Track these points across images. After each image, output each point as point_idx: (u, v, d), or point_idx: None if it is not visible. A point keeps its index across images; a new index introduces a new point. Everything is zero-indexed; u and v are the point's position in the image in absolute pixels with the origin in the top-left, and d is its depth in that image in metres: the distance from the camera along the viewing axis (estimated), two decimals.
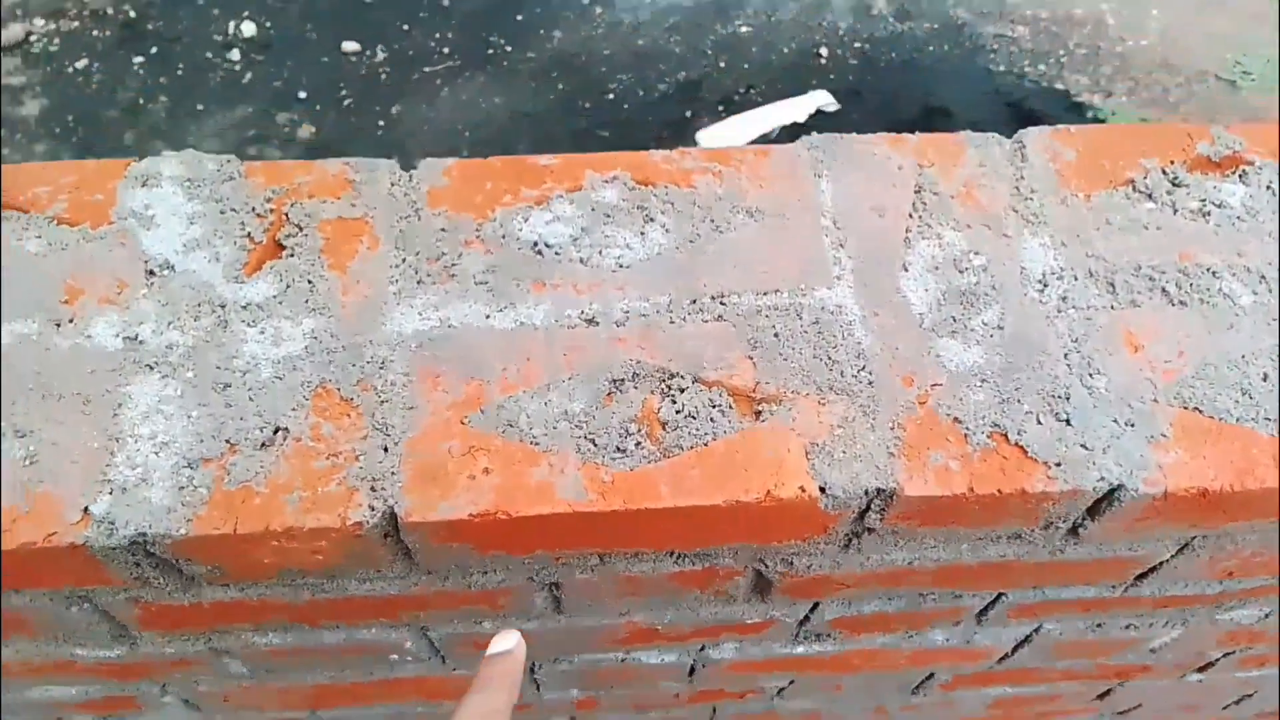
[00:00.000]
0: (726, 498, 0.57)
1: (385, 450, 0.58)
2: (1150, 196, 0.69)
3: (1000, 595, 0.79)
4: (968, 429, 0.60)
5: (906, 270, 0.66)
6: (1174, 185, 0.70)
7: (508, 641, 0.59)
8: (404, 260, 0.65)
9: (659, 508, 0.57)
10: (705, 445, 0.59)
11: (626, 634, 0.79)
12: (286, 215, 0.66)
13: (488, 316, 0.63)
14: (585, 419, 0.59)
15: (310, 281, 0.63)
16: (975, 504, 0.60)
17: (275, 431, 0.58)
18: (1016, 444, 0.60)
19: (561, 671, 0.89)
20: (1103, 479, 0.59)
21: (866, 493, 0.59)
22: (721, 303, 0.64)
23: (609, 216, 0.67)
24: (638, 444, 0.59)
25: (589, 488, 0.57)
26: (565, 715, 1.02)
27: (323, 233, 0.65)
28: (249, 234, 0.65)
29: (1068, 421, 0.61)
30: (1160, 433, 0.61)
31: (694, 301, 0.64)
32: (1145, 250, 0.67)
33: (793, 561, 0.67)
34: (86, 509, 0.55)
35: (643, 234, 0.66)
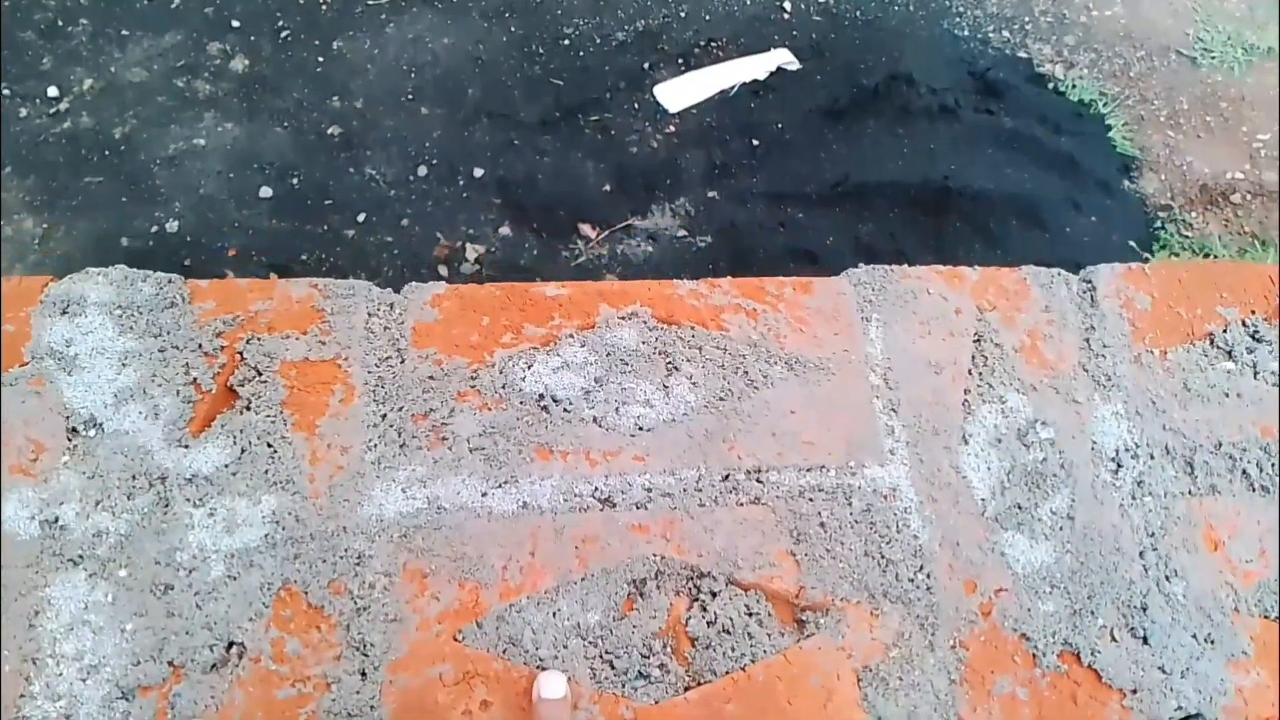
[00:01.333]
0: None
1: (363, 676, 0.48)
2: (1230, 354, 0.62)
3: None
4: (1036, 648, 0.53)
5: (967, 443, 0.57)
6: (1255, 340, 0.62)
7: (557, 689, 0.48)
8: (384, 417, 0.54)
9: None
10: (742, 669, 0.50)
11: None
12: (241, 355, 0.55)
13: (484, 495, 0.53)
14: (601, 634, 0.51)
15: (270, 445, 0.53)
16: None
17: (229, 648, 0.48)
18: (1090, 666, 0.53)
19: None
20: (1180, 708, 0.53)
21: None
22: (758, 480, 0.55)
23: (626, 364, 0.57)
24: (663, 666, 0.50)
25: None
26: None
27: (286, 378, 0.54)
28: (195, 379, 0.54)
29: (1145, 639, 0.54)
30: (1241, 650, 0.54)
31: (726, 478, 0.55)
32: (1225, 423, 0.60)
33: None
34: None
35: (666, 388, 0.57)
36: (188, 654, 0.48)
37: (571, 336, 0.58)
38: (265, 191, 2.29)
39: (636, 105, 2.64)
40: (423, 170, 2.39)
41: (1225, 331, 0.62)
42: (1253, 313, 0.63)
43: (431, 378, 0.56)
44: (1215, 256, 2.07)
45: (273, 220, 2.26)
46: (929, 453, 0.57)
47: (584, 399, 0.56)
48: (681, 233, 2.35)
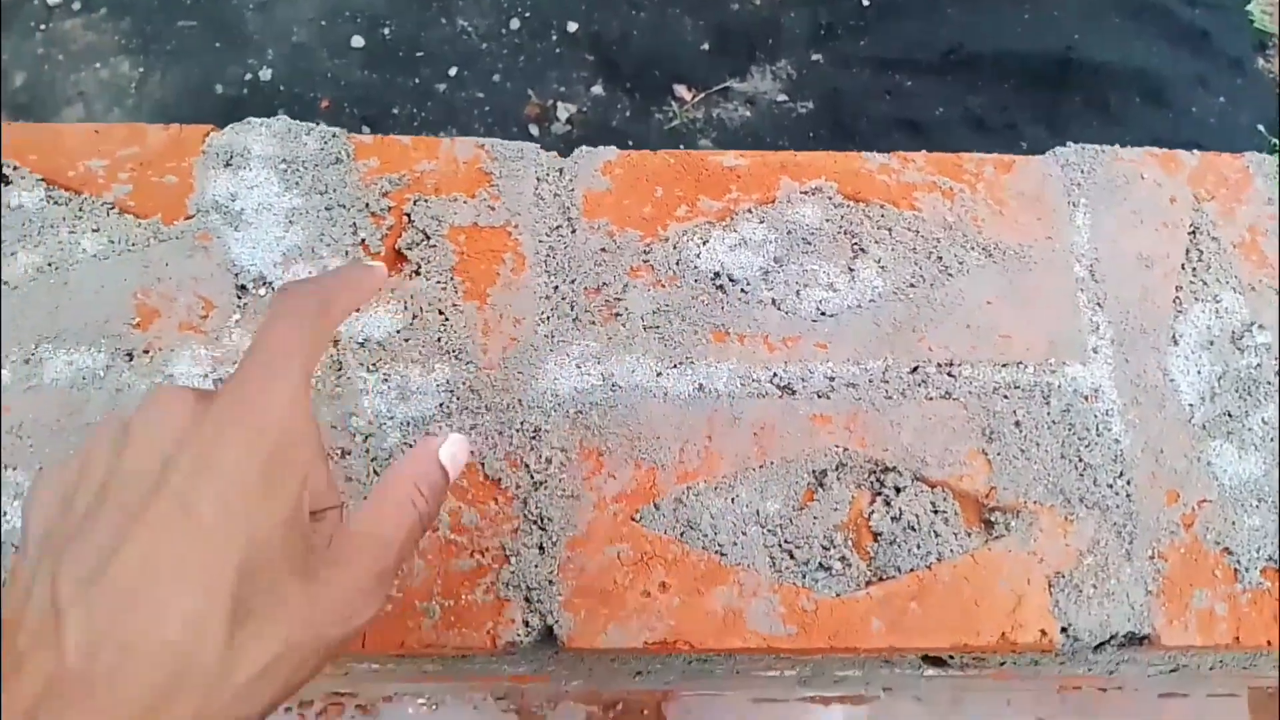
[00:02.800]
0: (954, 641, 0.47)
1: (541, 550, 0.47)
2: None
3: None
4: (1239, 563, 0.50)
5: (1176, 344, 0.53)
6: None
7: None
8: (556, 289, 0.52)
9: (870, 647, 0.47)
10: (928, 567, 0.48)
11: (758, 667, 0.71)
12: (409, 217, 0.52)
13: (659, 375, 0.51)
14: (781, 523, 0.49)
15: (442, 313, 0.51)
16: (1240, 649, 0.50)
17: None
18: None
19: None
20: None
21: (1114, 636, 0.49)
22: (950, 374, 0.52)
23: (808, 243, 0.53)
24: (844, 559, 0.48)
25: (788, 618, 0.47)
26: None
27: (455, 244, 0.52)
28: (363, 241, 0.52)
29: None
30: None
31: (915, 370, 0.51)
32: None
33: (985, 659, 0.58)
34: None
35: (851, 271, 0.53)
36: None
37: (750, 211, 0.54)
38: (357, 41, 2.22)
39: None
40: (515, 23, 2.29)
41: None
42: None
43: (604, 250, 0.53)
44: None
45: (364, 72, 2.21)
46: (1135, 353, 0.52)
47: (762, 280, 0.53)
48: (781, 97, 2.24)
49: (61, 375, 0.48)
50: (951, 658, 0.57)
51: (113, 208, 0.51)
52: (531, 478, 0.48)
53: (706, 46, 2.14)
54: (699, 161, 0.55)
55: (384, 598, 0.31)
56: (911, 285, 0.53)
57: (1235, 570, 0.49)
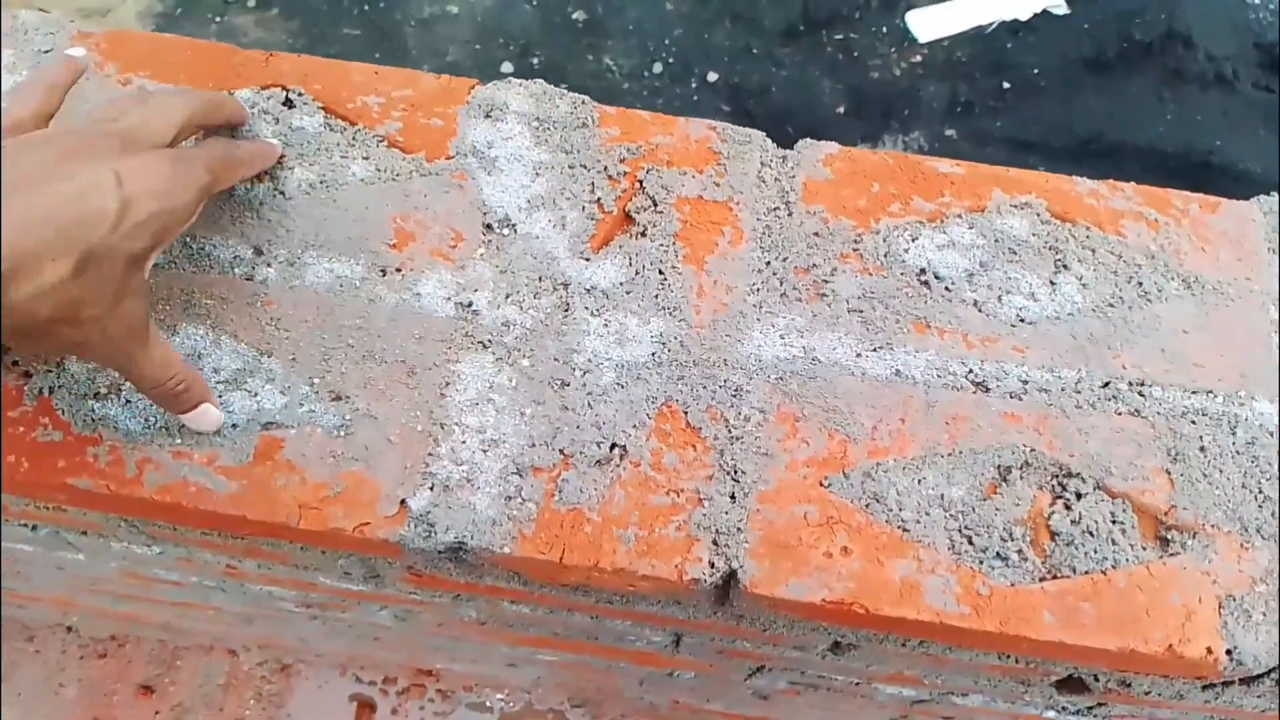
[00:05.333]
0: (1120, 644, 0.49)
1: (733, 499, 0.51)
2: None
3: None
4: None
5: None
6: None
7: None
8: (768, 264, 0.55)
9: (1038, 639, 0.49)
10: (1104, 572, 0.50)
11: (887, 678, 0.72)
12: (641, 183, 0.57)
13: (859, 355, 0.54)
14: (964, 510, 0.51)
15: (661, 272, 0.55)
16: None
17: (612, 449, 0.51)
18: None
19: (784, 671, 0.84)
20: None
21: (1277, 667, 0.49)
22: (1140, 393, 0.53)
23: (1014, 253, 0.56)
24: (1021, 553, 0.50)
25: (962, 598, 0.49)
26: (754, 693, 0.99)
27: (680, 213, 0.56)
28: (599, 200, 0.56)
29: None
30: None
31: (1107, 385, 0.53)
32: None
33: (1131, 684, 0.59)
34: (404, 502, 0.50)
35: (1053, 284, 0.55)
36: (577, 446, 0.51)
37: (960, 216, 0.57)
38: (506, 67, 2.33)
39: (885, 28, 2.53)
40: (658, 67, 2.37)
41: None
42: None
43: (816, 234, 0.56)
44: None
45: None
46: None
47: (966, 281, 0.55)
48: None
49: (321, 280, 0.54)
50: (1096, 678, 0.58)
51: (383, 140, 0.57)
52: (730, 431, 0.52)
53: (842, 110, 2.18)
54: (915, 165, 0.58)
55: (130, 364, 0.46)
56: (1110, 305, 0.55)
57: None
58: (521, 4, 2.28)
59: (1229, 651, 0.49)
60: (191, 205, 0.46)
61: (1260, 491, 0.51)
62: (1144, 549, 0.51)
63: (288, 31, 2.18)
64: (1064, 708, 0.69)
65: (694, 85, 2.21)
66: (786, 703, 0.95)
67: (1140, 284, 0.55)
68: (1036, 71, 2.22)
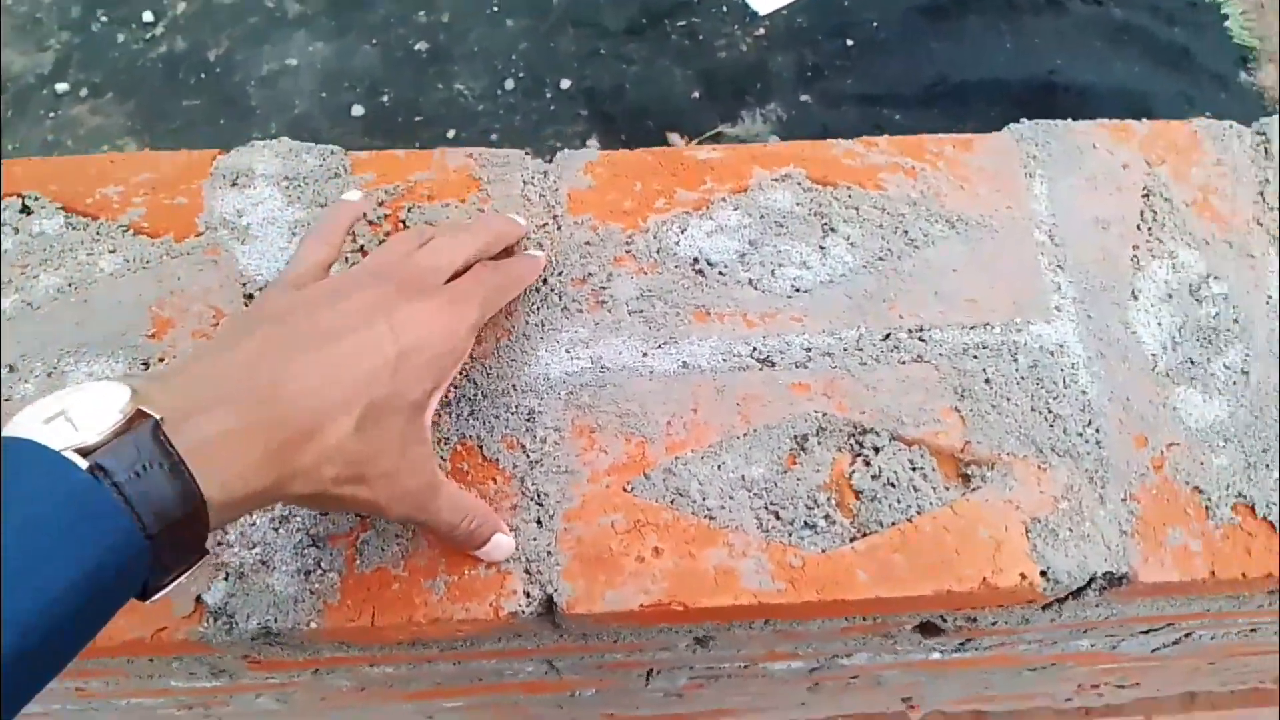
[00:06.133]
0: (936, 588, 0.49)
1: (539, 524, 0.50)
2: None
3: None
4: (1209, 500, 0.52)
5: (1136, 299, 0.55)
6: None
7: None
8: (545, 282, 0.55)
9: (856, 599, 0.49)
10: (909, 520, 0.51)
11: (765, 657, 0.73)
12: (404, 224, 0.56)
13: (645, 355, 0.54)
14: (766, 486, 0.51)
15: None
16: (1213, 587, 0.52)
17: None
18: (1265, 519, 0.52)
19: (676, 670, 0.84)
20: None
21: (1094, 577, 0.51)
22: (921, 339, 0.54)
23: (781, 226, 0.56)
24: (828, 518, 0.51)
25: (776, 574, 0.49)
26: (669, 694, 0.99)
27: None
28: (361, 247, 0.55)
29: None
30: None
31: (888, 337, 0.54)
32: None
33: (977, 619, 0.60)
34: (199, 598, 0.48)
35: (823, 249, 0.56)
36: None
37: (725, 200, 0.57)
38: (357, 110, 2.29)
39: (725, 8, 2.55)
40: (510, 84, 2.36)
41: None
42: None
43: (588, 243, 0.56)
44: None
45: (365, 138, 2.27)
46: (1097, 309, 0.55)
47: (739, 262, 0.56)
48: (773, 139, 2.28)
49: None
50: (944, 619, 0.59)
51: (128, 229, 0.55)
52: (528, 457, 0.51)
53: (697, 94, 2.20)
54: (675, 156, 0.58)
55: (423, 514, 0.45)
56: (880, 259, 0.56)
57: (1206, 508, 0.52)
58: (361, 45, 2.25)
59: (1044, 573, 0.50)
60: (465, 343, 0.46)
61: (1049, 411, 0.53)
62: (947, 489, 0.52)
63: (125, 114, 2.12)
64: (936, 649, 0.70)
65: (548, 96, 2.20)
66: (701, 696, 0.95)
67: (906, 233, 0.56)
68: (876, 25, 2.26)
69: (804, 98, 2.19)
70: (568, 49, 2.30)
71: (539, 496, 0.50)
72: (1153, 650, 0.82)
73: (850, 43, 2.27)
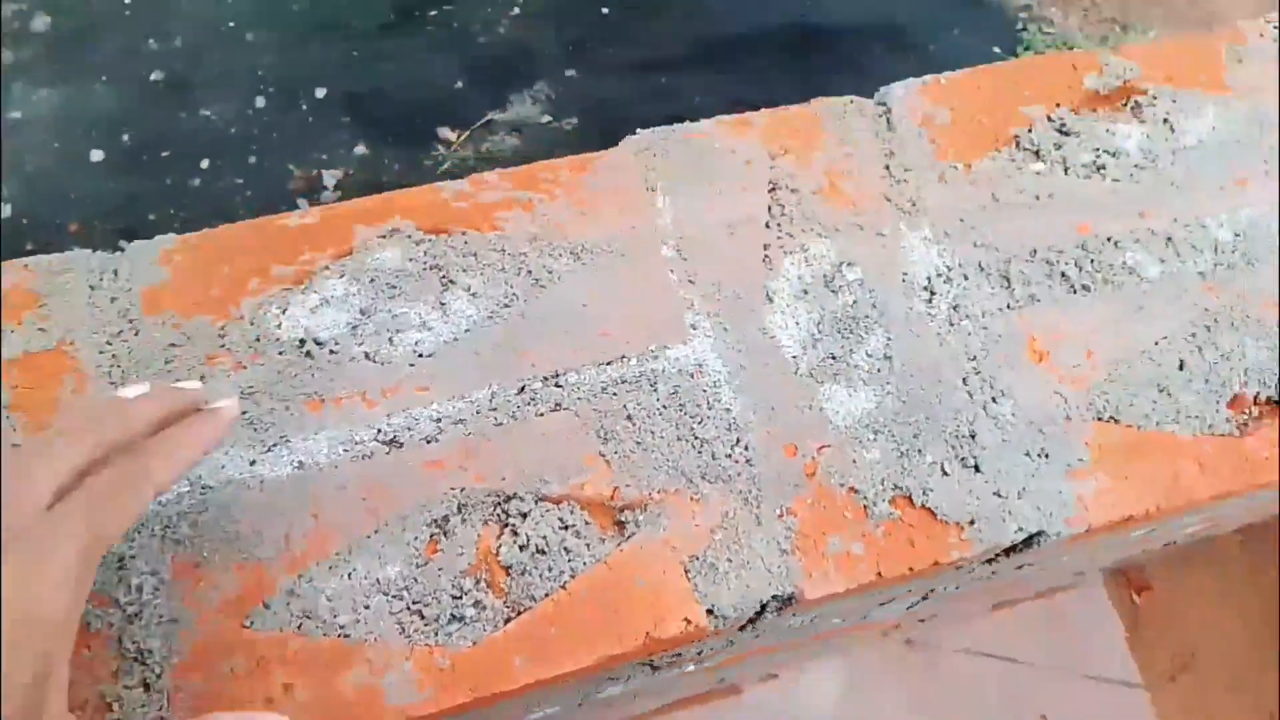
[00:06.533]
0: (599, 655, 0.46)
1: (146, 688, 0.44)
2: (1038, 155, 0.58)
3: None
4: (866, 499, 0.51)
5: (771, 301, 0.54)
6: (1063, 134, 0.59)
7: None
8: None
9: (515, 687, 0.46)
10: (562, 587, 0.47)
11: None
12: None
13: (253, 463, 0.48)
14: (406, 585, 0.47)
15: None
16: (883, 584, 0.51)
17: None
18: (923, 506, 0.51)
19: None
20: (1020, 529, 0.51)
21: (761, 603, 0.49)
22: (558, 385, 0.51)
23: (394, 287, 0.52)
24: (478, 604, 0.47)
25: (423, 682, 0.45)
26: None
27: (9, 379, 0.48)
28: None
29: (976, 467, 0.52)
30: (1077, 458, 0.53)
31: (522, 390, 0.50)
32: (1039, 228, 0.57)
33: (682, 653, 0.58)
34: None
35: (443, 305, 0.51)
36: None
37: (327, 269, 0.52)
38: (96, 155, 2.11)
39: None
40: (260, 101, 2.21)
41: (1030, 131, 0.59)
42: (1057, 105, 0.60)
43: (173, 345, 0.49)
44: (1076, 49, 2.05)
45: (110, 184, 2.08)
46: (732, 319, 0.53)
47: (351, 335, 0.51)
48: (545, 119, 2.22)
49: None
50: (614, 677, 0.57)
51: None
52: (123, 611, 0.45)
53: (461, 84, 2.12)
54: (263, 228, 0.52)
55: None
56: (505, 305, 0.52)
57: (865, 507, 0.50)
58: (91, 85, 2.05)
59: (710, 611, 0.48)
60: (55, 602, 0.33)
61: (695, 437, 0.50)
62: (603, 542, 0.49)
63: None
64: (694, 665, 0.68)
65: (304, 108, 2.07)
66: None
67: (530, 273, 0.52)
68: None
69: (570, 73, 2.14)
70: (318, 56, 2.16)
71: (141, 655, 0.44)
72: (908, 609, 0.83)
73: (606, 10, 2.23)
